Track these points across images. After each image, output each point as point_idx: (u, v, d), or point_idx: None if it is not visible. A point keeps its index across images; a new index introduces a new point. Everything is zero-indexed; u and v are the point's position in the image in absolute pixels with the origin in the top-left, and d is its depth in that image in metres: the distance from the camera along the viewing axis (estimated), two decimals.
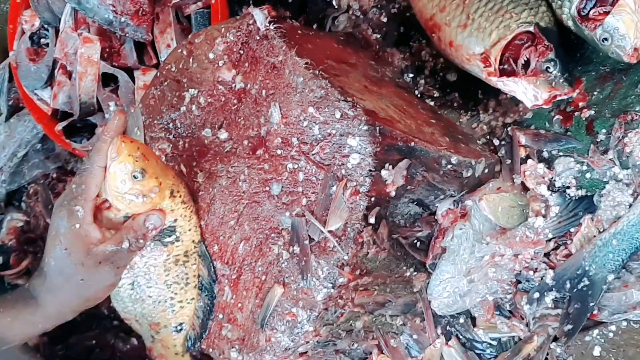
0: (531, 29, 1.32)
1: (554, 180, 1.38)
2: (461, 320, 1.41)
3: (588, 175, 1.36)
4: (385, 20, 1.58)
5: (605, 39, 1.29)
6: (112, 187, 1.20)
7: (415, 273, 1.36)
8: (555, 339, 1.35)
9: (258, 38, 1.32)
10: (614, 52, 1.29)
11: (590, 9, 1.30)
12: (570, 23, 1.33)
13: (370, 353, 1.41)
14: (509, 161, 1.41)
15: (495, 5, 1.35)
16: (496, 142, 1.44)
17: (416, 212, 1.32)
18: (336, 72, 1.30)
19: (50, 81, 1.77)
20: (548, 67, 1.32)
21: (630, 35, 1.27)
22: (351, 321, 1.32)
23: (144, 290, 1.34)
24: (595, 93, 1.39)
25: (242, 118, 1.32)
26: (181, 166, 1.38)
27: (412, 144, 1.24)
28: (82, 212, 1.19)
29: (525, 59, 1.33)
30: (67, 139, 1.74)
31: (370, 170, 1.19)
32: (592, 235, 1.33)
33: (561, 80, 1.32)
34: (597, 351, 1.32)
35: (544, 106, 1.33)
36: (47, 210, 1.89)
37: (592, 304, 1.31)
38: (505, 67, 1.34)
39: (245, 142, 1.31)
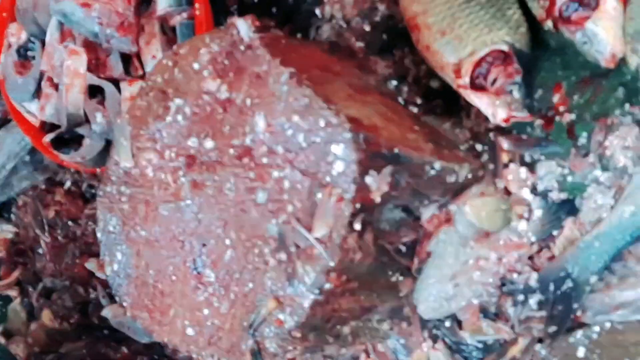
0: (505, 48, 1.34)
1: (537, 184, 1.38)
2: (447, 324, 1.42)
3: (570, 178, 1.37)
4: (368, 29, 1.59)
5: (585, 42, 1.31)
6: None
7: (401, 278, 1.37)
8: (540, 341, 1.36)
9: (242, 48, 1.33)
10: (592, 56, 1.31)
11: (573, 12, 1.32)
12: (549, 24, 1.35)
13: (358, 358, 1.42)
14: (491, 166, 1.42)
15: (476, 18, 1.36)
16: (479, 147, 1.45)
17: (401, 218, 1.33)
18: (320, 80, 1.31)
19: (37, 93, 1.78)
20: (512, 90, 1.34)
21: (609, 41, 1.29)
22: (338, 327, 1.32)
23: None
24: (575, 97, 1.41)
25: (227, 127, 1.33)
26: (167, 176, 1.39)
27: (396, 150, 1.25)
28: None
29: (494, 76, 1.35)
30: (55, 151, 1.73)
31: (354, 177, 1.19)
32: (574, 237, 1.34)
33: (520, 105, 1.34)
34: (581, 352, 1.33)
35: (503, 124, 1.35)
36: (36, 221, 1.89)
37: (575, 306, 1.32)
38: (478, 81, 1.36)
39: (231, 151, 1.32)
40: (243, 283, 1.30)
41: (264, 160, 1.27)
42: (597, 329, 1.34)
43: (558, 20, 1.33)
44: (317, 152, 1.22)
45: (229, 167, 1.32)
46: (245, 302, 1.30)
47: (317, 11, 1.64)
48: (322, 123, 1.21)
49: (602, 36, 1.29)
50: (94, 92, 1.70)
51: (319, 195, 1.21)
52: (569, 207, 1.36)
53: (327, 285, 1.23)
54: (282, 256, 1.24)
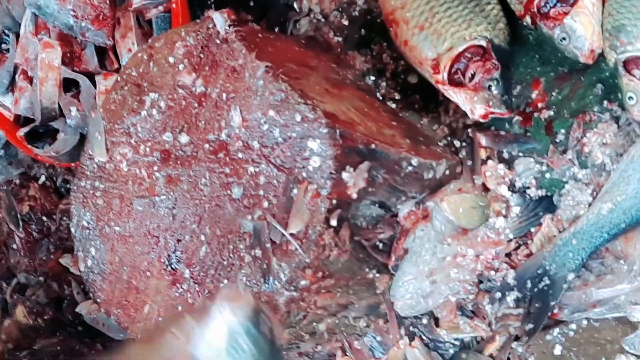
0: (484, 43, 1.34)
1: (514, 180, 1.38)
2: (424, 321, 1.41)
3: (548, 175, 1.37)
4: (346, 23, 1.58)
5: (563, 38, 1.31)
6: None
7: (377, 275, 1.37)
8: (517, 339, 1.36)
9: (218, 41, 1.31)
10: (570, 52, 1.31)
11: (551, 7, 1.31)
12: (528, 20, 1.34)
13: (334, 355, 1.41)
14: (469, 162, 1.41)
15: (455, 13, 1.36)
16: (457, 143, 1.45)
17: (378, 214, 1.33)
18: (297, 75, 1.30)
19: (11, 87, 1.76)
20: (490, 85, 1.33)
21: (587, 37, 1.29)
22: (314, 323, 1.32)
23: None
24: (554, 94, 1.41)
25: (202, 122, 1.32)
26: (142, 171, 1.38)
27: (373, 146, 1.24)
28: None
29: (472, 72, 1.34)
30: (30, 145, 1.72)
31: (331, 173, 1.19)
32: (552, 234, 1.34)
33: (499, 101, 1.33)
34: (558, 350, 1.34)
35: (481, 120, 1.35)
36: (10, 216, 1.88)
37: (552, 303, 1.32)
38: (456, 76, 1.35)
39: (206, 145, 1.31)
40: (218, 279, 1.29)
41: (240, 155, 1.26)
42: (573, 326, 1.34)
43: (536, 15, 1.32)
44: (293, 147, 1.21)
45: (204, 162, 1.31)
46: None
47: (295, 5, 1.63)
48: (298, 118, 1.20)
49: (581, 32, 1.29)
50: (69, 85, 1.69)
51: (295, 190, 1.20)
52: (546, 204, 1.36)
53: (303, 282, 1.22)
54: (257, 252, 1.23)
